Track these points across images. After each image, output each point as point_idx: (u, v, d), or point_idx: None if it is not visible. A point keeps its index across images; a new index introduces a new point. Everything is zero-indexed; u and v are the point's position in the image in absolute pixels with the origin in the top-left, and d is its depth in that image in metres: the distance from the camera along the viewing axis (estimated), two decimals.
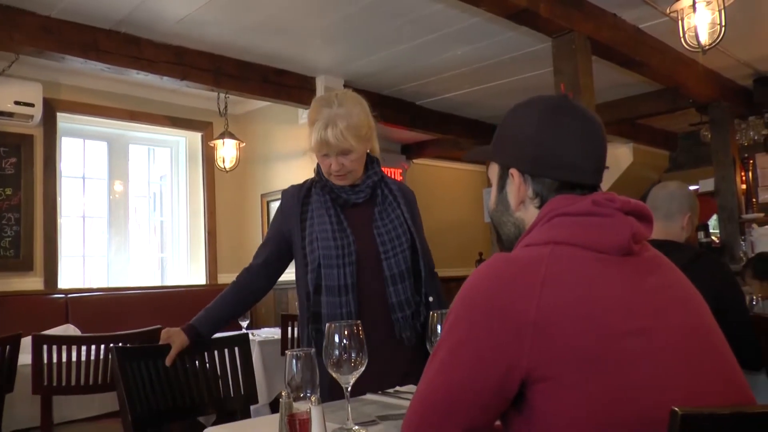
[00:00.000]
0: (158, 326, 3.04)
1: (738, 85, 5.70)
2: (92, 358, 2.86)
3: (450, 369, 1.11)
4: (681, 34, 3.03)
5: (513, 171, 1.26)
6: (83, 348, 2.85)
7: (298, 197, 2.23)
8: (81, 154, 5.30)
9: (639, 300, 1.10)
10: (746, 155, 6.03)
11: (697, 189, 5.64)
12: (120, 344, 2.87)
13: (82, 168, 5.29)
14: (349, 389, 1.63)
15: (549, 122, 1.24)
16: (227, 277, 5.31)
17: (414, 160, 7.73)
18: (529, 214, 1.26)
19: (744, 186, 5.74)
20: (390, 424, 1.62)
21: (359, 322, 1.67)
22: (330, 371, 1.60)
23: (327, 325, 1.61)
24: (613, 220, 1.14)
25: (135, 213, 5.58)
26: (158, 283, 5.56)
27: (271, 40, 4.42)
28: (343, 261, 2.10)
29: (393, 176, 7.34)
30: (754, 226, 5.49)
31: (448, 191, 8.08)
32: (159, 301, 4.85)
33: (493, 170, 1.34)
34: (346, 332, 1.59)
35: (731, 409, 0.94)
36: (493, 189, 1.35)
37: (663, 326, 1.09)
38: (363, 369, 1.62)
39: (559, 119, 1.24)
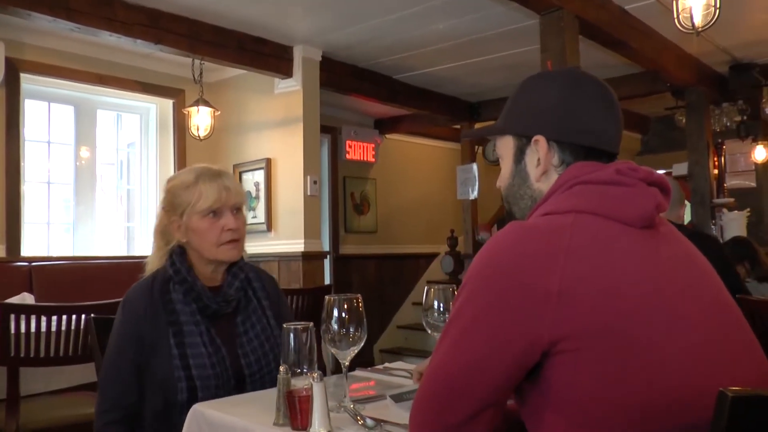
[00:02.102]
0: None
1: (714, 71, 5.73)
2: (63, 328, 2.75)
3: (466, 345, 1.05)
4: (675, 15, 3.00)
5: (539, 137, 1.21)
6: (54, 318, 2.73)
7: (157, 298, 1.82)
8: (46, 118, 5.09)
9: (661, 273, 1.06)
10: (720, 140, 6.10)
11: (670, 172, 5.69)
12: (92, 315, 2.77)
13: (47, 132, 5.09)
14: (347, 365, 1.58)
15: (571, 89, 1.22)
16: None
17: (387, 135, 7.66)
18: (550, 184, 1.21)
19: (716, 171, 5.81)
20: (388, 400, 1.57)
21: (359, 295, 1.62)
22: (328, 346, 1.54)
23: (326, 298, 1.55)
24: (636, 191, 1.11)
25: (101, 180, 5.41)
26: (124, 253, 5.42)
27: (250, 6, 4.28)
28: (221, 393, 1.75)
29: (366, 152, 7.32)
30: (724, 210, 5.58)
31: (420, 168, 8.03)
32: (126, 272, 4.66)
33: (506, 145, 1.30)
34: (345, 306, 1.54)
35: None
36: (507, 164, 1.30)
37: (686, 300, 1.06)
38: (362, 344, 1.57)
39: (580, 86, 1.23)
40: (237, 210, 1.89)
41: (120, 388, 1.78)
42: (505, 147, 1.30)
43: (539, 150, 1.22)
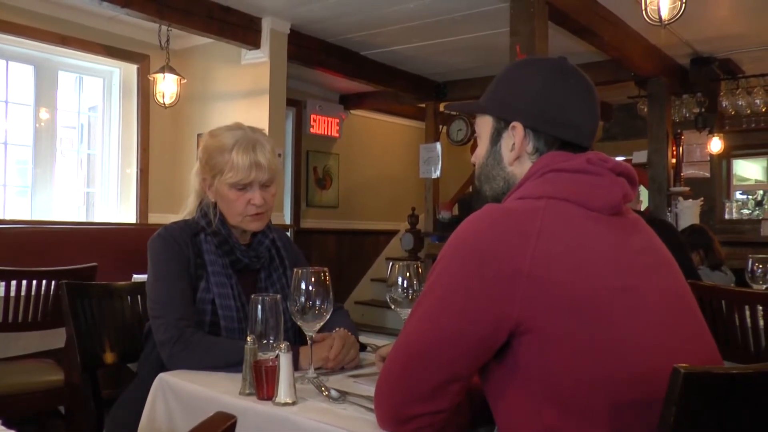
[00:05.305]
0: (94, 264, 2.92)
1: (677, 63, 5.86)
2: (23, 294, 2.71)
3: (438, 317, 1.10)
4: (643, 8, 3.07)
5: (516, 124, 1.25)
6: (13, 283, 2.69)
7: (188, 244, 1.83)
8: (4, 77, 4.95)
9: (627, 258, 1.13)
10: (679, 131, 6.25)
11: (630, 159, 5.82)
12: (54, 280, 2.75)
13: (4, 91, 4.95)
14: (312, 337, 1.61)
15: (556, 81, 1.25)
16: (158, 217, 5.14)
17: (352, 111, 7.65)
18: (523, 169, 1.26)
19: (674, 160, 5.97)
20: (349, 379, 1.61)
21: (326, 269, 1.64)
22: (294, 318, 1.57)
23: (295, 270, 1.57)
24: (604, 180, 1.17)
25: (61, 144, 5.29)
26: (83, 219, 5.33)
27: None
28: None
29: (330, 126, 7.30)
30: (680, 199, 5.74)
31: (384, 144, 8.05)
32: (86, 238, 4.63)
33: (485, 124, 1.33)
34: (312, 279, 1.56)
35: (737, 368, 0.97)
36: (484, 143, 1.34)
37: (648, 285, 1.12)
38: (328, 317, 1.59)
39: (565, 79, 1.26)
40: (266, 185, 1.85)
41: (188, 304, 1.76)
42: (483, 126, 1.33)
43: (515, 136, 1.25)
